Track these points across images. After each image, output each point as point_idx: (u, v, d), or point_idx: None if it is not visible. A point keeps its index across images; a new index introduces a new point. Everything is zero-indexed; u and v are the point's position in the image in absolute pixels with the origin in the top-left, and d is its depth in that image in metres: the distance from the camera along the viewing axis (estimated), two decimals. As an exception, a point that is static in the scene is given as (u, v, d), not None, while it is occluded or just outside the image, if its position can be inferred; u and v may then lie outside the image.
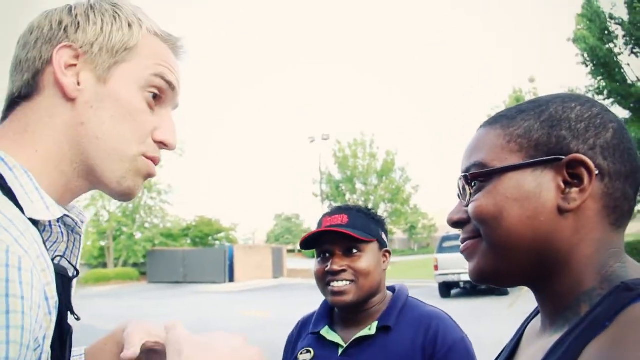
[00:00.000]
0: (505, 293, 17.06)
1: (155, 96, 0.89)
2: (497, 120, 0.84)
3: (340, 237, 1.65)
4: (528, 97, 36.35)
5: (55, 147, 0.82)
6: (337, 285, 1.64)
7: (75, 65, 0.83)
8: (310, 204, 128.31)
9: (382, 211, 45.76)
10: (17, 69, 0.85)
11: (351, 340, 1.66)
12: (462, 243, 0.85)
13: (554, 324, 0.78)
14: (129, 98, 0.86)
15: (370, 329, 1.65)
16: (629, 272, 0.73)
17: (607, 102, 21.79)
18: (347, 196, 45.35)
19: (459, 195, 0.86)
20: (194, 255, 35.00)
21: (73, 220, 0.85)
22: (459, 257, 16.84)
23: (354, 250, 1.66)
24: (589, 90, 22.05)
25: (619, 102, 21.21)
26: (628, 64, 21.29)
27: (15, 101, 0.84)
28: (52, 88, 0.83)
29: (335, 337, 1.69)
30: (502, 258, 0.78)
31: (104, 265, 37.40)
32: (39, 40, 0.84)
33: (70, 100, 0.82)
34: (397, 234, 54.25)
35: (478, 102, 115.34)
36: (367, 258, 1.67)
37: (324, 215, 1.76)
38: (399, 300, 1.74)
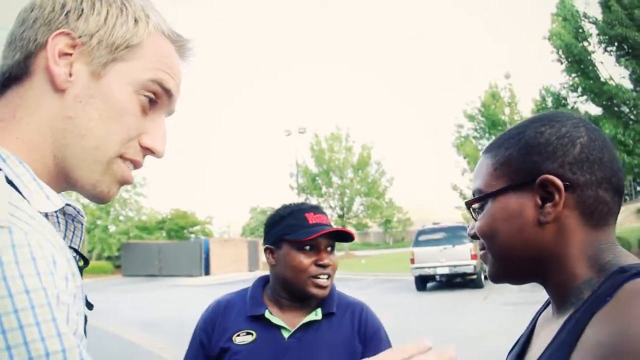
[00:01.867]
0: (480, 286, 17.29)
1: (150, 100, 0.84)
2: (490, 149, 0.99)
3: (330, 235, 1.78)
4: (503, 93, 36.77)
5: (39, 138, 0.77)
6: (323, 279, 1.76)
7: (70, 54, 0.78)
8: (286, 197, 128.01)
9: (357, 204, 45.95)
10: (10, 46, 0.80)
11: (300, 324, 1.77)
12: (481, 251, 1.01)
13: (561, 309, 0.90)
14: (121, 99, 0.80)
15: (317, 315, 1.79)
16: (622, 260, 0.85)
17: (581, 99, 22.14)
18: (324, 189, 45.44)
19: (471, 214, 1.02)
20: (169, 249, 34.86)
21: (75, 209, 0.80)
22: (435, 250, 17.28)
23: (330, 248, 1.80)
24: (564, 87, 22.35)
25: (592, 99, 21.51)
26: (601, 62, 21.60)
27: (6, 83, 0.79)
28: (42, 74, 0.78)
29: (279, 321, 1.77)
30: (504, 265, 0.95)
31: (78, 259, 36.91)
32: (38, 20, 0.78)
33: (60, 91, 0.77)
34: (372, 227, 54.48)
35: (455, 97, 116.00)
36: (336, 255, 1.84)
37: (306, 211, 1.83)
38: (334, 289, 1.87)
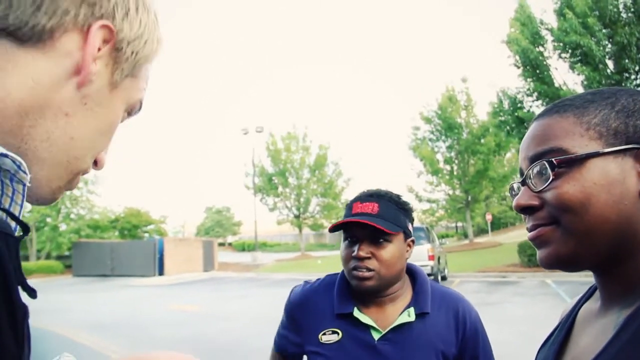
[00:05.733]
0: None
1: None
2: (565, 109, 0.85)
3: (369, 226, 1.67)
4: (460, 97, 37.48)
5: (16, 106, 0.62)
6: (362, 271, 1.67)
7: (99, 49, 0.67)
8: (242, 197, 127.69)
9: (314, 205, 45.98)
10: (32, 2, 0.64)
11: (392, 326, 1.68)
12: (532, 230, 0.85)
13: (620, 302, 0.80)
14: (117, 115, 0.74)
15: (410, 315, 1.70)
16: None
17: (536, 103, 22.70)
18: (280, 189, 45.32)
19: (525, 181, 0.85)
20: (122, 248, 34.04)
21: (14, 161, 0.62)
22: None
23: (381, 240, 1.68)
24: (520, 92, 22.82)
25: (547, 104, 22.02)
26: (556, 68, 22.14)
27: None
28: (65, 57, 0.65)
29: (369, 320, 1.70)
30: (581, 243, 0.79)
31: (26, 258, 35.61)
32: None
33: (76, 85, 0.66)
34: (328, 228, 54.56)
35: (410, 100, 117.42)
36: (391, 248, 1.69)
37: (355, 200, 1.76)
38: (426, 284, 1.80)
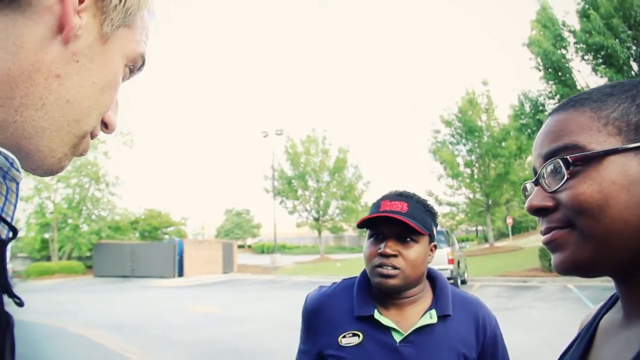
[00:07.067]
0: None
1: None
2: (582, 103, 0.78)
3: (398, 223, 1.66)
4: (481, 100, 37.22)
5: (4, 76, 0.59)
6: (387, 268, 1.65)
7: (82, 1, 0.63)
8: (262, 200, 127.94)
9: (333, 208, 45.93)
10: None
11: (414, 327, 1.66)
12: (546, 233, 0.78)
13: None
14: (116, 70, 0.69)
15: (432, 317, 1.68)
16: None
17: (559, 107, 22.46)
18: (299, 192, 45.34)
19: (539, 181, 0.79)
20: (142, 249, 34.31)
21: (6, 158, 0.58)
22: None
23: (408, 239, 1.68)
24: (541, 94, 22.59)
25: (568, 107, 21.79)
26: (579, 70, 21.88)
27: None
28: (44, 14, 0.61)
29: (390, 322, 1.68)
30: (599, 248, 0.72)
31: (48, 259, 36.23)
32: None
33: (61, 42, 0.62)
34: (348, 231, 54.47)
35: (430, 102, 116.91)
36: (418, 248, 1.69)
37: (383, 199, 1.75)
38: (446, 288, 1.80)
